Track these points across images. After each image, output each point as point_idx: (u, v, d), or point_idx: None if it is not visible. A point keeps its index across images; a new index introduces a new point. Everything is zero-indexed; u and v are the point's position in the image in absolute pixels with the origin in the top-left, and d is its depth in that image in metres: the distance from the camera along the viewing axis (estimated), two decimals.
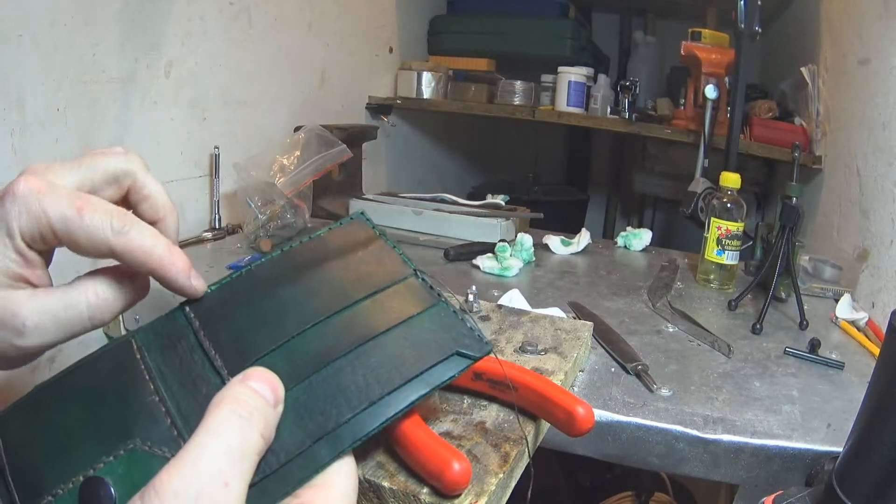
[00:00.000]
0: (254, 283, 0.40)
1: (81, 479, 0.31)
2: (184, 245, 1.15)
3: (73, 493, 0.31)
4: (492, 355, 0.48)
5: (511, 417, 0.52)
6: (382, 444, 0.46)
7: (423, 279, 0.42)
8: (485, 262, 1.13)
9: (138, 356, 0.36)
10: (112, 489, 0.30)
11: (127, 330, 0.38)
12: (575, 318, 0.86)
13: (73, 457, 0.32)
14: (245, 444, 0.29)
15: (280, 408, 0.32)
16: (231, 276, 0.40)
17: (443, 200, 1.46)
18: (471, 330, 0.40)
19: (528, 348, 0.65)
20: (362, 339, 0.37)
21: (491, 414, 0.52)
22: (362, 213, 0.46)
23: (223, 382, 0.35)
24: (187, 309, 0.38)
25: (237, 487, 0.27)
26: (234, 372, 0.34)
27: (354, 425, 0.34)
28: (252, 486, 0.30)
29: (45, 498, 0.31)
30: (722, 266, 1.11)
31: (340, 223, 0.45)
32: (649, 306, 1.00)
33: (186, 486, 0.26)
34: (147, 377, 0.35)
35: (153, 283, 0.38)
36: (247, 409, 0.30)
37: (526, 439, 0.49)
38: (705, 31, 1.57)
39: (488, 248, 1.17)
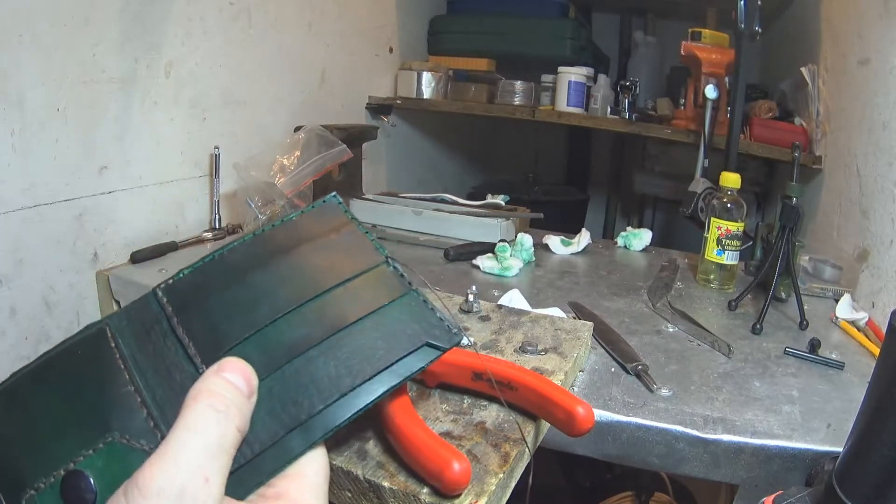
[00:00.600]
0: (226, 267, 0.40)
1: (62, 472, 0.31)
2: (184, 245, 1.15)
3: (54, 487, 0.31)
4: (472, 350, 0.48)
5: (511, 417, 0.52)
6: (382, 444, 0.46)
7: (394, 267, 0.42)
8: (485, 262, 1.13)
9: (112, 344, 0.36)
10: (92, 482, 0.31)
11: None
12: (575, 318, 0.86)
13: (54, 450, 0.32)
14: (223, 438, 0.29)
15: (254, 398, 0.33)
16: (203, 260, 0.40)
17: (443, 200, 1.46)
18: (440, 320, 0.40)
19: (529, 348, 0.65)
20: (334, 328, 0.37)
21: (491, 414, 0.52)
22: (335, 196, 0.46)
23: (196, 371, 0.35)
24: (160, 294, 0.38)
25: (217, 482, 0.28)
26: (207, 360, 0.35)
27: (326, 416, 0.34)
28: (228, 476, 0.30)
29: (28, 492, 0.31)
30: (722, 266, 1.11)
31: (313, 206, 0.45)
32: (649, 306, 1.00)
33: (169, 483, 0.26)
34: (122, 366, 0.35)
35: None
36: (223, 402, 0.30)
37: (525, 440, 0.49)
38: (705, 31, 1.57)
39: (488, 248, 1.17)
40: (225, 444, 0.29)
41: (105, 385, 0.34)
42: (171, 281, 0.39)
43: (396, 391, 0.45)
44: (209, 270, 0.40)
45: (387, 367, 0.37)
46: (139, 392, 0.34)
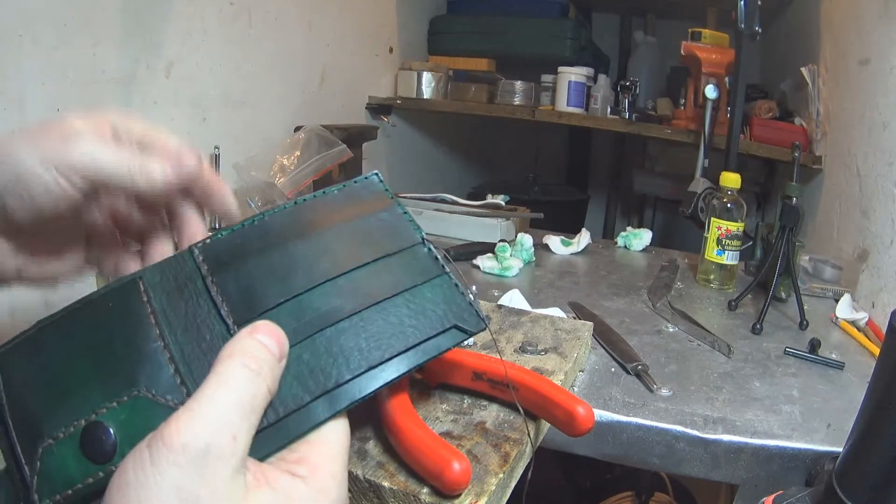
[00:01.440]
0: (266, 232, 0.40)
1: (83, 423, 0.31)
2: None
3: (74, 437, 0.31)
4: (495, 356, 0.48)
5: (511, 417, 0.52)
6: (382, 444, 0.46)
7: (429, 248, 0.42)
8: (485, 262, 1.13)
9: (145, 298, 0.36)
10: (113, 434, 0.30)
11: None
12: (575, 318, 0.86)
13: (76, 400, 0.32)
14: (254, 398, 0.29)
15: (284, 363, 0.33)
16: (243, 224, 0.40)
17: (443, 200, 1.46)
18: (469, 305, 0.40)
19: (529, 348, 0.65)
20: (367, 303, 0.38)
21: (491, 414, 0.52)
22: (376, 174, 0.46)
23: (228, 331, 0.35)
24: (196, 252, 0.38)
25: (243, 441, 0.28)
26: (239, 322, 0.35)
27: (353, 387, 0.35)
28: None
29: (46, 441, 0.31)
30: (722, 266, 1.11)
31: (355, 181, 0.45)
32: (649, 306, 1.00)
33: (195, 437, 0.26)
34: (153, 321, 0.35)
35: None
36: (256, 362, 0.30)
37: (529, 436, 0.49)
38: (705, 31, 1.57)
39: (488, 248, 1.17)
40: (255, 404, 0.29)
41: (133, 338, 0.34)
42: (208, 240, 0.39)
43: (397, 389, 0.45)
44: (248, 233, 0.40)
45: (415, 345, 0.37)
46: (168, 348, 0.34)
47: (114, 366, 0.33)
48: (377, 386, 0.35)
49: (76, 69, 0.96)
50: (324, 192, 0.43)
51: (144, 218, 0.45)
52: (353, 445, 0.47)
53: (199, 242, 0.39)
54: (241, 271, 0.37)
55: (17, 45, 0.87)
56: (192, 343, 0.34)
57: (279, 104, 1.47)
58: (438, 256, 0.42)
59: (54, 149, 0.36)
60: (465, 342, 0.65)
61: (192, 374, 0.33)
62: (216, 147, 1.23)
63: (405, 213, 0.44)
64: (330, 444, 0.33)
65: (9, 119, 0.87)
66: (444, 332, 0.39)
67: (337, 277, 0.38)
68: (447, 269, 0.41)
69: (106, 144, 0.37)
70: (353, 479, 0.44)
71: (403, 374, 0.37)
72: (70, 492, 0.29)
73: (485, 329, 0.40)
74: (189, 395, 0.29)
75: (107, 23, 1.00)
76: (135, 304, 0.35)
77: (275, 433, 0.32)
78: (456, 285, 0.41)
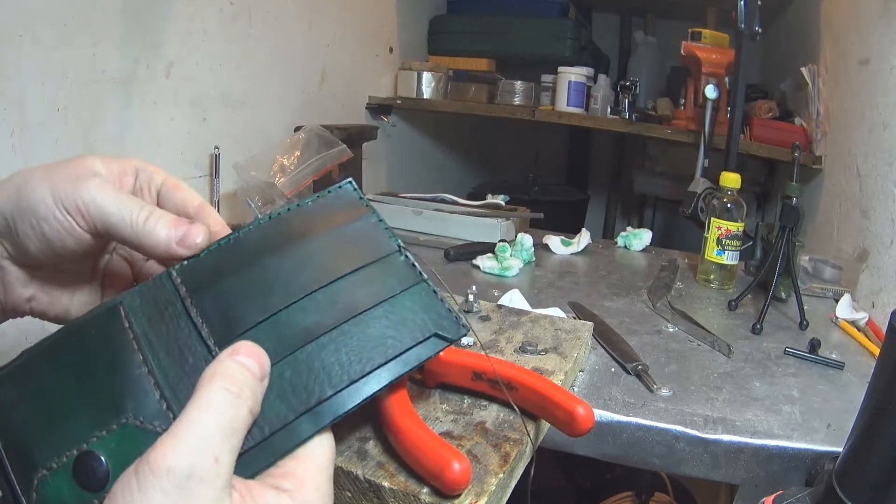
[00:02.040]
0: (242, 250, 0.40)
1: (75, 452, 0.31)
2: None
3: (67, 467, 0.31)
4: (474, 349, 0.48)
5: (511, 417, 0.52)
6: (382, 444, 0.46)
7: (406, 256, 0.42)
8: (485, 262, 1.13)
9: (126, 324, 0.36)
10: (105, 462, 0.31)
11: None
12: (575, 318, 0.86)
13: (67, 430, 0.32)
14: (235, 420, 0.30)
15: (266, 382, 0.33)
16: (219, 243, 0.40)
17: (443, 200, 1.46)
18: (449, 312, 0.40)
19: (529, 348, 0.65)
20: (346, 316, 0.38)
21: (491, 414, 0.52)
22: (350, 183, 0.46)
23: (209, 352, 0.35)
24: (174, 274, 0.38)
25: (226, 463, 0.29)
26: (220, 342, 0.35)
27: (335, 402, 0.35)
28: (237, 457, 0.30)
29: (40, 471, 0.31)
30: (722, 266, 1.11)
31: (329, 191, 0.45)
32: (649, 306, 1.00)
33: (179, 462, 0.27)
34: (135, 346, 0.35)
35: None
36: (237, 385, 0.31)
37: (529, 435, 0.49)
38: (705, 31, 1.57)
39: (488, 248, 1.17)
40: (236, 426, 0.30)
41: (118, 365, 0.34)
42: (185, 262, 0.39)
43: (397, 389, 0.45)
44: (225, 253, 0.40)
45: (396, 356, 0.38)
46: (152, 373, 0.34)
47: (101, 393, 0.33)
48: (360, 400, 0.36)
49: (76, 69, 0.96)
50: (297, 205, 0.43)
51: (159, 264, 0.45)
52: (353, 445, 0.47)
53: (176, 264, 0.39)
54: (220, 291, 0.38)
55: (17, 45, 0.87)
56: (175, 366, 0.34)
57: (279, 104, 1.47)
58: (416, 264, 0.42)
59: (64, 188, 0.36)
60: (465, 342, 0.65)
61: (177, 398, 0.33)
62: (216, 147, 1.23)
63: (380, 220, 0.44)
64: (314, 458, 0.33)
65: (9, 119, 0.87)
66: (424, 340, 0.39)
67: (315, 292, 0.38)
68: (425, 277, 0.41)
69: (115, 192, 0.38)
70: (353, 479, 0.44)
71: (385, 386, 0.37)
72: None
73: (465, 334, 0.40)
74: (175, 419, 0.30)
75: (107, 23, 1.00)
76: (117, 331, 0.36)
77: (261, 452, 0.32)
78: (434, 292, 0.41)
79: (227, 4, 1.26)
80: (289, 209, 0.43)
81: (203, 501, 0.27)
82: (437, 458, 0.40)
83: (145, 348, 0.35)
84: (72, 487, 0.31)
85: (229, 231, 0.41)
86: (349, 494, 0.44)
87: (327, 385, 0.35)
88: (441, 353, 0.53)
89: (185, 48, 1.17)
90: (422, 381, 0.56)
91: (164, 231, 0.38)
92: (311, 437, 0.34)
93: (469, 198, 1.51)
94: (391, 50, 1.95)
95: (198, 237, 0.38)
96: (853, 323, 0.96)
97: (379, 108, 1.90)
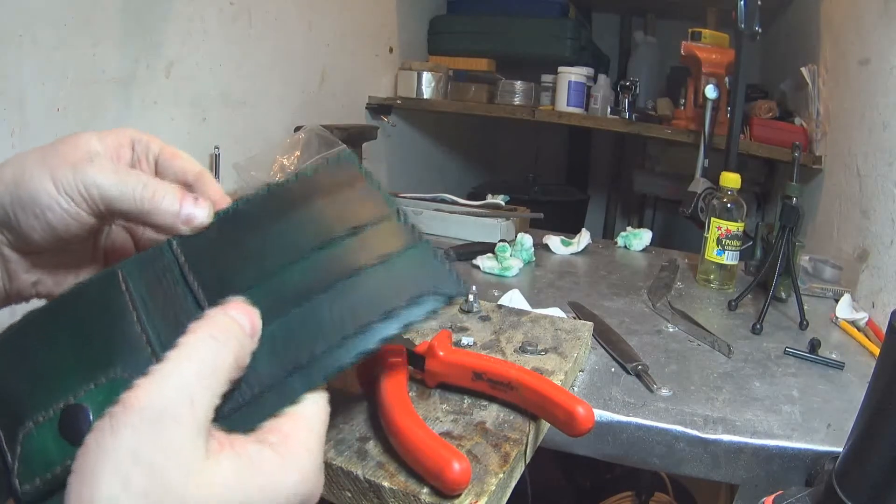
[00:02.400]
0: (240, 219, 0.40)
1: (62, 406, 0.31)
2: None
3: (53, 420, 0.31)
4: (492, 356, 0.48)
5: (511, 417, 0.52)
6: (382, 444, 0.46)
7: (404, 219, 0.42)
8: (485, 262, 1.13)
9: (123, 287, 0.36)
10: (92, 416, 0.31)
11: None
12: (575, 318, 0.86)
13: (55, 385, 0.32)
14: (215, 363, 0.29)
15: (256, 339, 0.33)
16: (218, 214, 0.40)
17: (443, 200, 1.46)
18: (448, 271, 0.39)
19: (529, 348, 0.65)
20: (342, 275, 0.37)
21: (491, 414, 0.52)
22: (349, 153, 0.46)
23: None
24: (174, 244, 0.39)
25: (203, 405, 0.28)
26: (214, 305, 0.35)
27: (328, 359, 0.34)
28: (226, 416, 0.30)
29: (27, 425, 0.31)
30: (722, 266, 1.11)
31: (328, 162, 0.45)
32: (649, 306, 1.00)
33: (152, 401, 0.26)
34: (131, 307, 0.35)
35: None
36: (222, 333, 0.30)
37: (528, 436, 0.49)
38: (705, 31, 1.57)
39: (488, 248, 1.17)
40: (217, 372, 0.29)
41: (112, 325, 0.35)
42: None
43: (397, 388, 0.45)
44: (224, 223, 0.40)
45: (392, 313, 0.37)
46: (146, 333, 0.34)
47: (93, 351, 0.33)
48: (353, 356, 0.35)
49: (76, 69, 0.96)
50: (296, 176, 0.43)
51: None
52: (353, 445, 0.47)
53: (175, 235, 0.39)
54: (217, 259, 0.38)
55: (17, 45, 0.87)
56: (169, 329, 0.34)
57: (279, 104, 1.47)
58: (414, 226, 0.41)
59: (64, 174, 0.36)
60: (465, 342, 0.65)
61: None
62: (216, 147, 1.23)
63: (378, 188, 0.43)
64: (306, 417, 0.32)
65: (9, 119, 0.87)
66: (421, 297, 0.38)
67: (311, 253, 0.38)
68: (423, 238, 0.40)
69: (115, 172, 0.37)
70: (352, 479, 0.44)
71: (381, 341, 0.36)
72: (49, 475, 0.30)
73: (464, 292, 0.39)
74: None
75: (107, 23, 1.00)
76: (114, 294, 0.36)
77: (251, 411, 0.32)
78: (433, 252, 0.40)
79: (227, 4, 1.26)
80: (288, 180, 0.43)
81: (174, 441, 0.26)
82: (437, 458, 0.40)
83: (141, 310, 0.35)
84: (56, 441, 0.31)
85: (229, 201, 0.41)
86: (349, 494, 0.44)
87: (321, 342, 0.34)
88: (441, 354, 0.53)
89: (185, 48, 1.17)
90: (422, 381, 0.56)
91: (169, 208, 0.38)
92: (302, 395, 0.33)
93: (469, 198, 1.51)
94: (391, 50, 1.95)
95: (202, 215, 0.38)
96: (853, 323, 0.96)
97: (379, 108, 1.90)
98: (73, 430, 0.31)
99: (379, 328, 0.36)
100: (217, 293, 0.36)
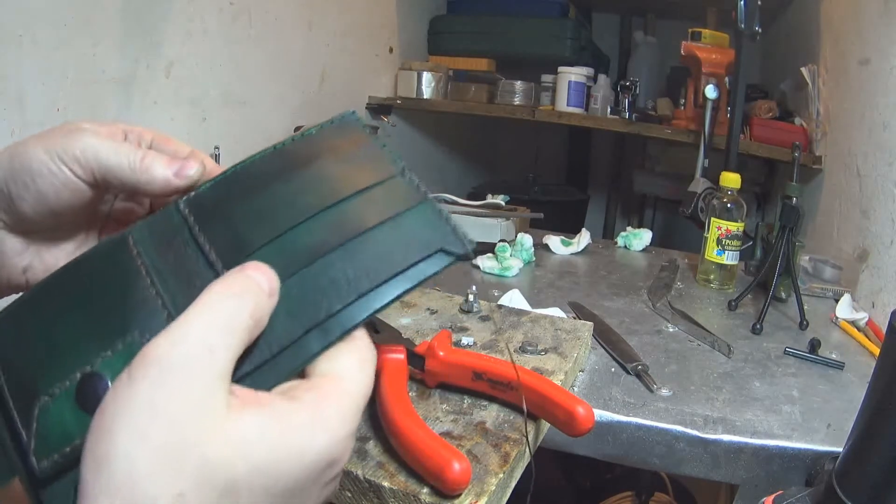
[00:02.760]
0: (247, 179, 0.40)
1: (79, 376, 0.31)
2: None
3: (70, 392, 0.30)
4: (504, 359, 0.48)
5: (511, 417, 0.52)
6: (382, 444, 0.46)
7: (410, 178, 0.42)
8: (485, 262, 1.13)
9: (134, 252, 0.36)
10: (110, 383, 0.30)
11: None
12: (575, 318, 0.86)
13: (70, 355, 0.31)
14: (233, 317, 0.29)
15: (275, 299, 0.32)
16: (225, 173, 0.40)
17: (443, 200, 1.46)
18: (454, 229, 0.40)
19: (528, 348, 0.65)
20: (352, 234, 0.38)
21: (491, 414, 0.52)
22: (353, 113, 0.46)
23: (217, 275, 0.35)
24: (181, 206, 0.38)
25: (222, 357, 0.27)
26: (227, 265, 0.35)
27: (344, 316, 0.34)
28: (245, 376, 0.30)
29: (42, 398, 0.30)
30: (722, 266, 1.11)
31: (332, 122, 0.45)
32: (649, 306, 1.00)
33: (169, 350, 0.26)
34: (143, 272, 0.35)
35: None
36: (240, 288, 0.30)
37: (527, 437, 0.49)
38: (705, 31, 1.57)
39: (488, 248, 1.17)
40: (234, 325, 0.29)
41: (125, 290, 0.34)
42: (192, 193, 0.39)
43: (397, 388, 0.45)
44: (230, 182, 0.40)
45: (403, 271, 0.37)
46: (160, 295, 0.34)
47: (106, 316, 0.33)
48: (368, 313, 0.35)
49: (76, 69, 0.96)
50: (302, 135, 0.43)
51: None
52: (353, 445, 0.47)
53: (183, 196, 0.39)
54: (227, 218, 0.38)
55: (17, 45, 0.87)
56: (183, 289, 0.34)
57: (279, 104, 1.47)
58: (420, 185, 0.42)
59: (57, 142, 0.37)
60: (465, 342, 0.65)
61: None
62: (216, 147, 1.23)
63: (384, 146, 0.44)
64: (347, 381, 0.32)
65: (9, 119, 0.87)
66: (430, 256, 0.38)
67: (320, 212, 0.38)
68: (429, 196, 0.41)
69: (109, 139, 0.38)
70: (352, 479, 0.44)
71: (394, 299, 0.36)
72: (68, 448, 0.29)
73: (471, 252, 0.40)
74: None
75: (107, 23, 1.00)
76: (125, 259, 0.36)
77: (270, 370, 0.32)
78: (439, 211, 0.40)
79: (226, 4, 1.26)
80: (293, 139, 0.43)
81: (191, 392, 0.26)
82: (438, 458, 0.40)
83: (153, 273, 0.35)
84: (74, 411, 0.30)
85: (222, 171, 0.42)
86: (349, 494, 0.44)
87: (336, 300, 0.35)
88: (442, 354, 0.53)
89: (185, 48, 1.17)
90: (422, 381, 0.56)
91: (161, 168, 0.38)
92: (319, 352, 0.33)
93: (469, 198, 1.51)
94: (391, 50, 1.95)
95: (193, 167, 0.39)
96: (853, 323, 0.96)
97: (379, 108, 1.90)
98: (91, 401, 0.29)
99: (391, 287, 0.36)
100: (228, 253, 0.36)
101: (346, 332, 0.34)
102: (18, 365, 0.32)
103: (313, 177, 0.40)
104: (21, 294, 0.35)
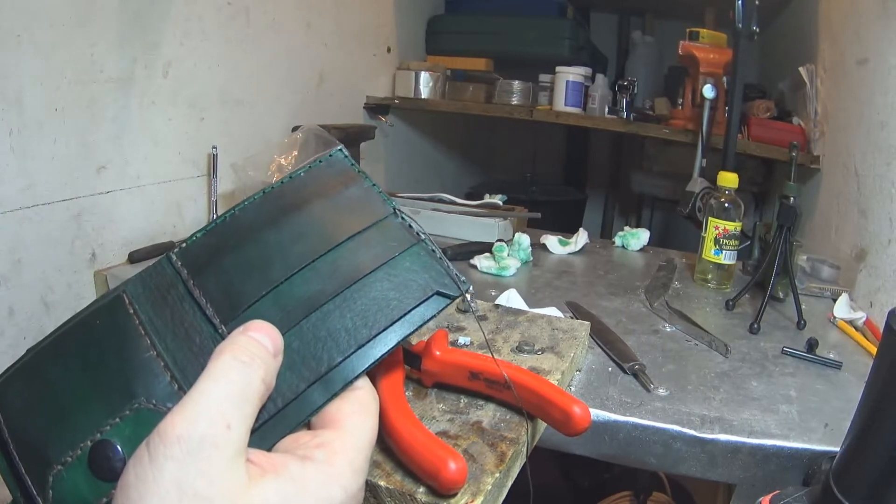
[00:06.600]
0: (238, 227, 0.40)
1: (89, 443, 0.31)
2: None
3: (82, 459, 0.31)
4: (489, 355, 0.48)
5: (508, 417, 0.52)
6: (379, 443, 0.46)
7: (402, 218, 0.42)
8: (482, 261, 1.13)
9: (131, 311, 0.36)
10: (121, 450, 0.30)
11: None
12: (572, 318, 0.86)
13: (78, 422, 0.32)
14: (246, 387, 0.29)
15: (280, 358, 0.33)
16: (215, 222, 0.40)
17: (441, 200, 1.46)
18: (448, 270, 0.40)
19: (525, 348, 0.65)
20: (348, 282, 0.38)
21: (487, 413, 0.52)
22: (340, 150, 0.46)
23: (216, 331, 0.35)
24: (174, 258, 0.38)
25: (239, 430, 0.28)
26: (225, 320, 0.35)
27: (345, 368, 0.35)
28: (253, 431, 0.30)
29: (55, 468, 0.30)
30: (720, 266, 1.11)
31: (319, 161, 0.45)
32: (647, 306, 1.00)
33: (189, 429, 0.26)
34: (142, 332, 0.35)
35: None
36: (248, 355, 0.30)
37: (527, 436, 0.49)
38: (703, 31, 1.57)
39: (486, 247, 1.17)
40: (248, 394, 0.29)
41: (126, 352, 0.34)
42: (184, 244, 0.39)
43: (393, 388, 0.45)
44: (221, 231, 0.40)
45: (400, 317, 0.37)
46: (161, 356, 0.34)
47: (110, 381, 0.33)
48: (369, 363, 0.36)
49: (74, 69, 0.96)
50: (290, 177, 0.43)
51: None
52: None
53: (174, 248, 0.39)
54: (220, 270, 0.38)
55: (16, 45, 0.87)
56: (182, 348, 0.34)
57: (277, 104, 1.47)
58: (413, 225, 0.42)
59: None
60: (462, 342, 0.65)
61: (187, 379, 0.33)
62: (214, 147, 1.23)
63: (374, 185, 0.44)
64: (354, 436, 0.33)
65: (7, 119, 0.87)
66: (426, 299, 0.39)
67: (315, 261, 0.38)
68: (422, 237, 0.41)
69: None
70: None
71: (393, 347, 0.37)
72: None
73: (467, 291, 0.40)
74: None
75: (105, 23, 1.00)
76: (122, 318, 0.36)
77: (275, 425, 0.32)
78: (433, 251, 0.41)
79: (224, 4, 1.25)
80: (282, 182, 0.43)
81: (215, 469, 0.26)
82: (434, 457, 0.40)
83: (151, 333, 0.35)
84: (89, 479, 0.30)
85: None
86: None
87: (335, 352, 0.35)
88: (438, 354, 0.53)
89: (183, 48, 1.17)
90: (419, 380, 0.56)
91: None
92: (323, 405, 0.33)
93: (467, 197, 1.51)
94: (389, 50, 1.95)
95: None
96: (851, 322, 0.96)
97: (377, 108, 1.90)
98: (104, 468, 0.30)
99: (391, 334, 0.37)
100: (225, 306, 0.36)
101: (347, 384, 0.34)
102: (27, 430, 0.32)
103: (305, 222, 0.40)
104: (22, 355, 0.35)
